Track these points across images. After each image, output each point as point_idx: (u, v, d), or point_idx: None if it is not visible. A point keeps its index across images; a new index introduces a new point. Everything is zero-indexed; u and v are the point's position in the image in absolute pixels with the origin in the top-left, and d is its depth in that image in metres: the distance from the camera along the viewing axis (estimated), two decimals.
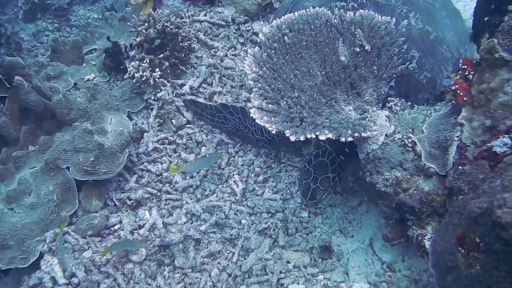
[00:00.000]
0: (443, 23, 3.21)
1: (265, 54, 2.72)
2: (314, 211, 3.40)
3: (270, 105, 2.49)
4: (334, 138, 2.41)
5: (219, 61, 4.11)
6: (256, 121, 2.41)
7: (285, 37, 2.75)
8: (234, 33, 4.35)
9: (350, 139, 2.41)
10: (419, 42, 2.95)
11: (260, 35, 2.76)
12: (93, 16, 6.56)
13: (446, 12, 3.33)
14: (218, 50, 4.20)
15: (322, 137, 2.36)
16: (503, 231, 1.60)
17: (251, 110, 2.46)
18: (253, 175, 3.66)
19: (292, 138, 2.36)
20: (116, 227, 3.43)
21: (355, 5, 3.14)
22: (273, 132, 2.39)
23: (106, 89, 3.81)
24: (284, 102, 2.52)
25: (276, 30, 2.77)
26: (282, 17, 2.81)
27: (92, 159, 3.35)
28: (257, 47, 2.74)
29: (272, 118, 2.42)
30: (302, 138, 2.36)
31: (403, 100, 2.93)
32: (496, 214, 1.61)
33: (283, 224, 3.33)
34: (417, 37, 3.00)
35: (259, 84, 2.57)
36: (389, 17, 2.81)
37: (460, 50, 3.19)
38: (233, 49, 4.27)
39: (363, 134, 2.43)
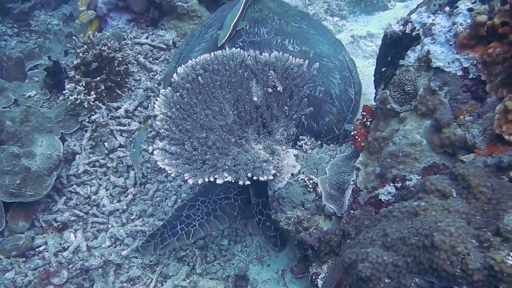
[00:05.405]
0: (316, 39, 3.35)
1: (177, 94, 2.80)
2: None
3: (173, 147, 2.57)
4: (232, 181, 2.51)
5: (156, 85, 4.19)
6: (158, 163, 2.49)
7: (199, 77, 2.84)
8: None
9: (247, 182, 2.51)
10: None
11: (174, 75, 2.83)
12: (54, 22, 6.59)
13: (314, 30, 3.47)
14: (157, 73, 4.28)
15: (219, 181, 2.46)
16: (364, 283, 1.72)
17: (154, 152, 2.54)
18: (179, 200, 3.75)
19: (190, 182, 2.45)
20: (41, 248, 3.50)
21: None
22: (172, 175, 2.47)
23: (38, 111, 3.86)
24: (189, 144, 2.61)
25: (190, 70, 2.86)
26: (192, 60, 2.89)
27: (18, 182, 3.41)
28: (169, 87, 2.82)
29: (173, 161, 2.51)
30: (200, 181, 2.45)
31: (313, 139, 3.06)
32: (358, 268, 1.74)
33: (202, 252, 3.43)
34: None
35: (166, 126, 2.64)
36: (302, 60, 2.94)
37: (339, 57, 3.34)
38: None
39: (261, 178, 2.54)
